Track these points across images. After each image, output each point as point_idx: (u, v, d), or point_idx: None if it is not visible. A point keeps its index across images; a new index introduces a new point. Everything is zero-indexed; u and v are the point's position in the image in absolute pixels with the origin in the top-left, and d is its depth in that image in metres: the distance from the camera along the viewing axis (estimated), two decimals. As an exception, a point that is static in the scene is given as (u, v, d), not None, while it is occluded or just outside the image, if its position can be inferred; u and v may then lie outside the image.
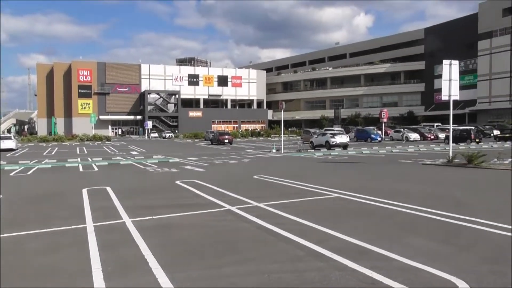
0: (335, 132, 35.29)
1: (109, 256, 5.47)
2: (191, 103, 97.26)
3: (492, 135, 43.59)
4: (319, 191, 10.80)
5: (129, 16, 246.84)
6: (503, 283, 4.24)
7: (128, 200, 9.87)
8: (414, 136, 43.79)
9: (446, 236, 6.27)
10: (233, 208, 8.65)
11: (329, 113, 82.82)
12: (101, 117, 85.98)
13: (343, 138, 31.77)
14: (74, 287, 4.45)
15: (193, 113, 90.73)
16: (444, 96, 16.90)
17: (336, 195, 10.14)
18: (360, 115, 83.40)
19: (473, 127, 42.14)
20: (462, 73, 75.36)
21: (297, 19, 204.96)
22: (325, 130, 42.87)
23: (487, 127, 50.74)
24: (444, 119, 58.58)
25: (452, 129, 22.66)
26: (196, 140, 60.26)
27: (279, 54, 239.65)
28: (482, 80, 71.03)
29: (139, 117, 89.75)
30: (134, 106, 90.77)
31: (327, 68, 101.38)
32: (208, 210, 8.55)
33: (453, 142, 34.47)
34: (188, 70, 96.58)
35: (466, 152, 17.88)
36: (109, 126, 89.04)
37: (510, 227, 6.49)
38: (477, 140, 35.82)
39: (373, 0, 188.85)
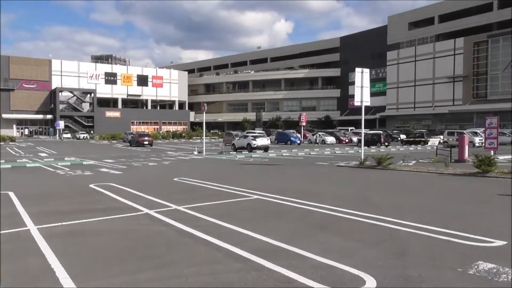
0: (257, 134, 35.89)
1: (9, 267, 4.97)
2: (109, 103, 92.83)
3: (399, 139, 47.29)
4: (240, 193, 10.87)
5: (38, 7, 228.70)
6: (405, 276, 4.58)
7: (34, 206, 9.10)
8: (331, 139, 46.04)
9: (356, 233, 6.64)
10: (151, 212, 8.37)
11: (251, 115, 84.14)
12: (4, 115, 78.74)
13: (264, 141, 32.43)
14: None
15: (111, 113, 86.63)
16: (356, 102, 17.99)
17: (256, 196, 10.28)
18: (280, 118, 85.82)
19: (382, 132, 45.42)
20: (373, 81, 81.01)
21: (219, 21, 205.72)
22: (247, 132, 43.39)
23: (395, 131, 54.92)
24: (358, 124, 62.42)
25: (364, 133, 24.25)
26: (113, 141, 57.60)
27: (201, 55, 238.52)
28: (390, 88, 76.97)
29: (49, 117, 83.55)
30: (44, 105, 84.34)
31: (249, 71, 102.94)
32: (125, 215, 8.18)
33: (365, 146, 36.94)
34: (105, 68, 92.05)
35: (376, 154, 19.19)
36: (14, 126, 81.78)
37: (414, 224, 7.05)
38: (386, 143, 38.68)
39: (293, 6, 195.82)
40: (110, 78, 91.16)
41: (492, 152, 18.15)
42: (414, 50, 72.98)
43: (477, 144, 32.87)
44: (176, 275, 4.70)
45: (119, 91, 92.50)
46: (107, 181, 13.46)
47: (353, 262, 4.98)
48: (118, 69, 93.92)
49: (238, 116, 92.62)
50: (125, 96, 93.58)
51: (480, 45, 63.46)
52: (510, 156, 21.02)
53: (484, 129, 20.97)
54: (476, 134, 36.34)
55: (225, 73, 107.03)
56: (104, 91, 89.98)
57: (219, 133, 70.11)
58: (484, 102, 62.70)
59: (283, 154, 27.98)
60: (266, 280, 4.48)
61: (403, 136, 47.24)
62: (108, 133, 66.36)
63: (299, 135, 47.86)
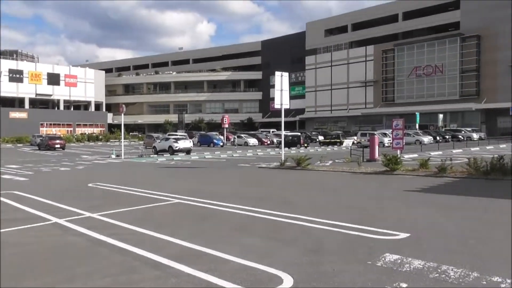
0: (179, 137, 35.29)
1: None
2: (13, 103, 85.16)
3: (317, 140, 49.41)
4: (160, 197, 10.59)
5: None
6: (320, 271, 4.78)
7: None
8: (253, 141, 46.75)
9: (275, 233, 6.80)
10: (62, 221, 7.82)
11: (173, 117, 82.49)
12: None
13: (186, 143, 31.98)
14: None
15: (16, 114, 79.26)
16: (276, 105, 18.48)
17: (177, 200, 10.09)
18: (203, 120, 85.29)
19: (302, 133, 47.18)
20: (293, 84, 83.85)
21: (139, 20, 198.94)
22: (169, 135, 42.50)
23: (313, 133, 57.30)
24: (279, 126, 64.00)
25: (284, 135, 25.05)
26: (19, 145, 53.05)
27: (120, 54, 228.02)
28: (309, 91, 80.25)
29: None
30: None
31: (171, 72, 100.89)
32: (31, 225, 7.55)
33: (285, 147, 38.19)
34: (9, 64, 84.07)
35: (296, 156, 19.86)
36: None
37: (329, 221, 7.39)
38: (306, 145, 40.21)
39: (215, 8, 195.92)
40: (16, 76, 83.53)
41: (398, 152, 19.68)
42: (330, 55, 76.90)
43: (386, 144, 35.46)
44: (89, 286, 4.43)
45: (26, 90, 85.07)
46: (10, 189, 12.32)
47: (271, 262, 5.09)
48: (25, 65, 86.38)
49: (159, 118, 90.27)
50: (33, 96, 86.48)
51: (388, 52, 68.66)
52: (415, 155, 23.00)
53: (391, 130, 22.69)
54: (385, 135, 39.22)
55: (146, 73, 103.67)
56: (8, 89, 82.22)
57: (140, 135, 67.76)
58: (392, 105, 67.91)
59: (206, 157, 27.83)
60: (185, 286, 4.40)
61: (321, 138, 49.42)
62: (13, 136, 60.85)
63: (222, 137, 47.95)
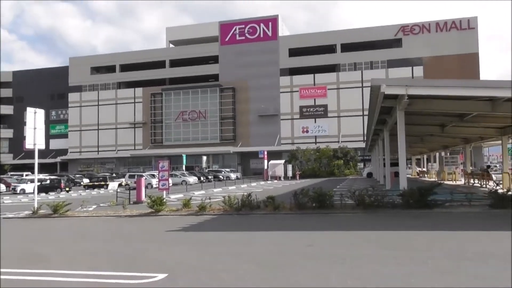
0: None
1: None
2: None
3: (82, 183, 45.92)
4: None
5: None
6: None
7: None
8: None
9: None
10: None
11: None
12: None
13: None
14: None
15: None
16: (28, 145, 16.37)
17: None
18: None
19: (63, 176, 43.08)
20: (54, 122, 76.72)
21: None
22: None
23: (77, 175, 53.17)
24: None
25: (44, 178, 22.45)
26: None
27: None
28: (73, 130, 74.66)
29: None
30: None
31: None
32: None
33: (43, 192, 34.08)
34: None
35: (53, 202, 17.82)
36: None
37: (83, 272, 6.80)
38: (67, 189, 36.74)
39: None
40: None
41: (164, 193, 20.19)
42: (97, 94, 74.24)
43: (154, 186, 35.89)
44: None
45: None
46: None
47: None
48: None
49: None
50: None
51: (156, 96, 71.23)
52: (180, 195, 24.02)
53: (158, 171, 23.20)
54: (153, 176, 39.75)
55: None
56: None
57: None
58: (160, 147, 69.99)
59: None
60: None
61: (86, 180, 46.24)
62: None
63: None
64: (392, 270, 6.20)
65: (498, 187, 17.45)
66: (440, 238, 9.06)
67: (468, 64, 58.79)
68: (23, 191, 35.62)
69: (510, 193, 13.74)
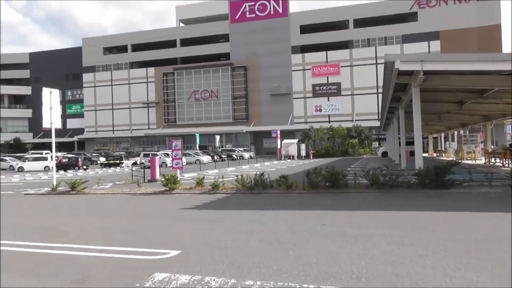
0: None
1: None
2: None
3: (98, 162, 46.69)
4: None
5: None
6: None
7: None
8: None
9: (38, 268, 6.01)
10: None
11: None
12: None
13: None
14: None
15: None
16: (45, 124, 16.64)
17: None
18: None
19: (81, 155, 43.80)
20: (70, 102, 77.70)
21: None
22: None
23: (94, 154, 54.02)
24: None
25: (62, 156, 22.94)
26: None
27: None
28: (88, 110, 75.51)
29: None
30: None
31: None
32: None
33: (62, 170, 34.84)
34: None
35: (71, 179, 18.20)
36: None
37: (99, 247, 6.98)
38: (85, 167, 37.44)
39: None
40: None
41: (178, 171, 20.41)
42: (111, 74, 74.58)
43: (168, 165, 36.31)
44: None
45: None
46: None
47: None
48: None
49: None
50: None
51: (168, 75, 71.22)
52: (194, 174, 24.26)
53: (171, 150, 23.41)
54: (167, 155, 40.14)
55: None
56: None
57: None
58: (174, 126, 70.41)
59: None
60: None
61: (102, 159, 46.99)
62: None
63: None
64: (406, 250, 6.19)
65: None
66: (457, 218, 8.91)
67: (489, 37, 56.61)
68: (21, 169, 36.67)
69: (532, 172, 13.39)
